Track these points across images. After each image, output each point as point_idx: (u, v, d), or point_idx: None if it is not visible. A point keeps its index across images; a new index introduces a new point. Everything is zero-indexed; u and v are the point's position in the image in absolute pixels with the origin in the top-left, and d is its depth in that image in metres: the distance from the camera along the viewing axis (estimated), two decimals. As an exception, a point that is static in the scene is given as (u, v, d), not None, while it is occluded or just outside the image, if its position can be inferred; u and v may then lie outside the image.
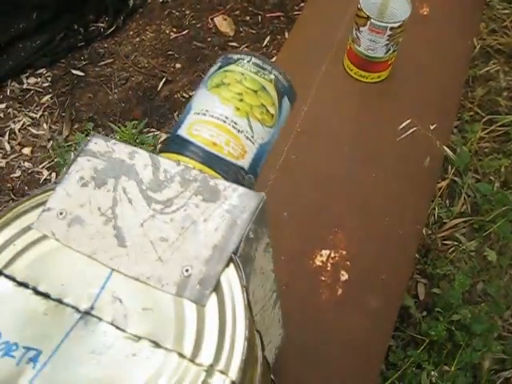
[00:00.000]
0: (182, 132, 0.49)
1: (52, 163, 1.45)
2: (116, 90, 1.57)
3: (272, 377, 0.61)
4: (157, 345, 0.35)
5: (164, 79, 1.59)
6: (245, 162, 0.49)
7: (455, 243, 1.25)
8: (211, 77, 0.53)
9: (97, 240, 0.38)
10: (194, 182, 0.40)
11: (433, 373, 1.06)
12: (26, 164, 1.45)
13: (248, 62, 0.53)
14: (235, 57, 0.53)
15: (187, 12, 1.75)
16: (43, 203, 0.40)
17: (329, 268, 0.83)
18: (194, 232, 0.38)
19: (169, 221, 0.38)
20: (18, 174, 1.44)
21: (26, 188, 1.41)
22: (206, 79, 0.53)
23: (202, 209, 0.39)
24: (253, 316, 0.42)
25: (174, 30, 1.71)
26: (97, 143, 0.42)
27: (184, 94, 1.56)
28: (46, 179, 1.43)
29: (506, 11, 1.62)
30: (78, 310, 0.36)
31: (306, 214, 0.88)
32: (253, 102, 0.51)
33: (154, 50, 1.66)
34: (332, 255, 0.84)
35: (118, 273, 0.37)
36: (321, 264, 0.83)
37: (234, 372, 0.34)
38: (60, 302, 0.36)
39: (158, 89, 1.57)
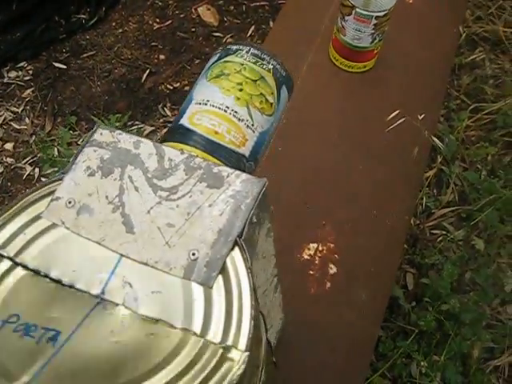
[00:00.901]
0: (184, 121, 0.51)
1: (35, 158, 1.43)
2: (99, 83, 1.55)
3: (274, 359, 0.61)
4: (171, 326, 0.36)
5: (148, 71, 1.57)
6: (246, 150, 0.51)
7: (443, 232, 1.25)
8: (211, 68, 0.54)
9: (105, 227, 0.39)
10: (198, 169, 0.41)
11: (422, 363, 1.06)
12: (9, 160, 1.43)
13: (247, 52, 0.54)
14: (234, 47, 0.55)
15: (170, 2, 1.73)
16: (52, 193, 0.41)
17: (317, 261, 0.82)
18: (199, 217, 0.39)
19: (175, 207, 0.39)
20: (0, 170, 1.41)
21: (9, 184, 1.38)
22: (206, 70, 0.54)
23: (206, 195, 0.40)
24: (257, 298, 0.43)
25: (158, 20, 1.69)
26: (102, 134, 0.43)
27: (168, 86, 1.54)
28: (29, 175, 1.41)
29: (491, -2, 1.62)
30: (90, 295, 0.37)
31: (293, 207, 0.87)
32: (252, 92, 0.52)
33: (138, 42, 1.64)
34: (320, 248, 0.83)
35: (126, 258, 0.38)
36: (309, 257, 0.82)
37: (242, 348, 0.35)
38: (72, 287, 0.37)
39: (142, 81, 1.55)
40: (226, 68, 0.53)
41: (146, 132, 1.44)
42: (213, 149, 0.49)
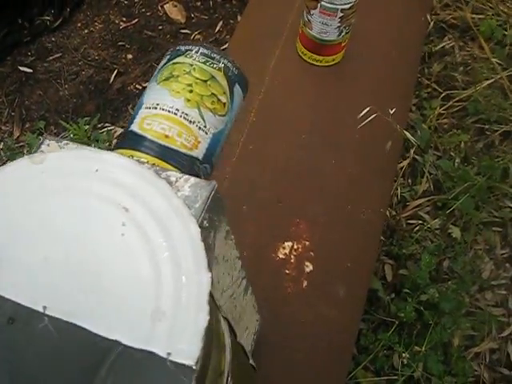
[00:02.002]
0: (135, 127, 0.49)
1: (4, 165, 1.39)
2: (67, 86, 1.52)
3: (252, 362, 0.61)
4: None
5: (116, 71, 1.54)
6: (199, 153, 0.50)
7: (420, 222, 1.25)
8: (161, 70, 0.53)
9: None
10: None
11: (404, 354, 1.06)
12: (-23, 168, 1.39)
13: (196, 52, 0.53)
14: (183, 48, 0.54)
15: (136, 0, 1.70)
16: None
17: (292, 260, 0.81)
18: None
19: None
20: (-32, 179, 1.37)
21: (-22, 193, 1.35)
22: (156, 73, 0.54)
23: None
24: (216, 303, 0.43)
25: (124, 19, 1.66)
26: (49, 145, 0.42)
27: (137, 86, 1.52)
28: (-2, 182, 1.38)
29: (458, -16, 1.62)
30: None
31: (266, 206, 0.86)
32: (203, 92, 0.51)
33: (104, 42, 1.61)
34: (295, 247, 0.82)
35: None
36: (284, 257, 0.81)
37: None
38: None
39: (110, 81, 1.52)
40: (175, 70, 0.52)
41: (116, 133, 1.41)
42: (164, 153, 0.48)
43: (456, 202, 1.23)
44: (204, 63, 0.52)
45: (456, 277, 1.19)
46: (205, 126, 0.50)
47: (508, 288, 1.23)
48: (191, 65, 0.51)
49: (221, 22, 1.64)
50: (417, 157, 1.32)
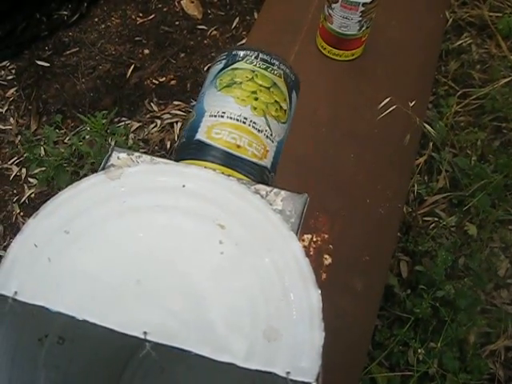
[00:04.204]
0: (201, 136, 0.47)
1: (21, 159, 1.40)
2: (83, 80, 1.53)
3: None
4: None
5: (132, 66, 1.55)
6: (267, 162, 0.49)
7: (435, 219, 1.25)
8: (218, 76, 0.51)
9: None
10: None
11: (419, 350, 1.06)
12: (-5, 161, 1.41)
13: (256, 57, 0.51)
14: (241, 53, 0.52)
15: (153, -4, 1.70)
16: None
17: (312, 253, 0.81)
18: None
19: None
20: (-14, 171, 1.39)
21: (-4, 185, 1.36)
22: (213, 79, 0.51)
23: None
24: None
25: (141, 14, 1.67)
26: (119, 157, 0.40)
27: (154, 81, 1.52)
28: (16, 175, 1.39)
29: (476, -17, 1.61)
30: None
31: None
32: (267, 100, 0.50)
33: (121, 37, 1.61)
34: (314, 239, 0.82)
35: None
36: (303, 249, 0.81)
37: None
38: None
39: (127, 76, 1.53)
40: (236, 76, 0.50)
41: (133, 128, 1.42)
42: (235, 163, 0.46)
43: (472, 199, 1.22)
44: (265, 69, 0.50)
45: (472, 274, 1.18)
46: (271, 135, 0.49)
47: (524, 286, 1.23)
48: (253, 71, 0.50)
49: (237, 19, 1.64)
50: (433, 154, 1.32)
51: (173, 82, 1.52)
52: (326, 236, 0.83)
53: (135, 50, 1.59)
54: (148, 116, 1.45)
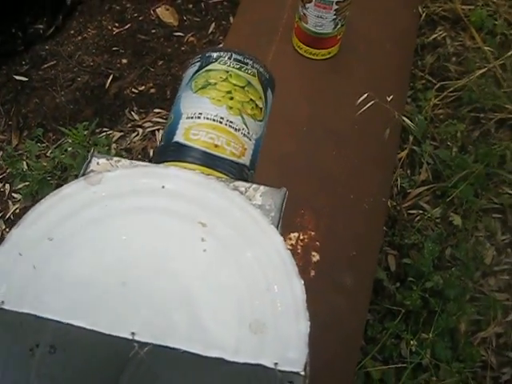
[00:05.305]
0: (179, 138, 0.48)
1: (4, 174, 1.40)
2: (63, 93, 1.52)
3: None
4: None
5: (111, 76, 1.54)
6: (246, 160, 0.50)
7: (420, 212, 1.26)
8: (193, 78, 0.52)
9: None
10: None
11: (412, 342, 1.07)
12: (-23, 178, 1.40)
13: (229, 58, 0.52)
14: (214, 55, 0.53)
15: (128, 5, 1.70)
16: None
17: (299, 250, 0.82)
18: None
19: None
20: (-31, 188, 1.38)
21: (-20, 202, 1.35)
22: (188, 82, 0.52)
23: None
24: None
25: (117, 24, 1.66)
26: (99, 163, 0.41)
27: (133, 90, 1.52)
28: (-1, 191, 1.38)
29: (447, -23, 1.63)
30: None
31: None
32: (243, 99, 0.51)
33: (98, 47, 1.61)
34: (301, 237, 0.83)
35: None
36: (291, 247, 0.82)
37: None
38: None
39: (106, 86, 1.53)
40: (210, 77, 0.51)
41: (115, 138, 1.42)
42: (214, 163, 0.47)
43: (455, 190, 1.24)
44: (239, 69, 0.51)
45: (459, 264, 1.20)
46: (248, 133, 0.50)
47: (510, 273, 1.24)
48: (227, 71, 0.51)
49: (213, 24, 1.65)
50: (414, 147, 1.33)
51: (152, 90, 1.52)
52: (313, 233, 0.83)
53: (113, 60, 1.59)
54: (129, 125, 1.45)
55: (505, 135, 1.37)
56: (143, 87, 1.52)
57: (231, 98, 0.49)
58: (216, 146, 0.47)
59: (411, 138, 1.32)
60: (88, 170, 0.40)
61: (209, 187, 0.39)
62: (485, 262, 1.24)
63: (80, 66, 1.57)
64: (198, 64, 0.52)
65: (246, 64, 0.52)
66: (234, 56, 0.52)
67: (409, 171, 1.32)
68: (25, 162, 1.34)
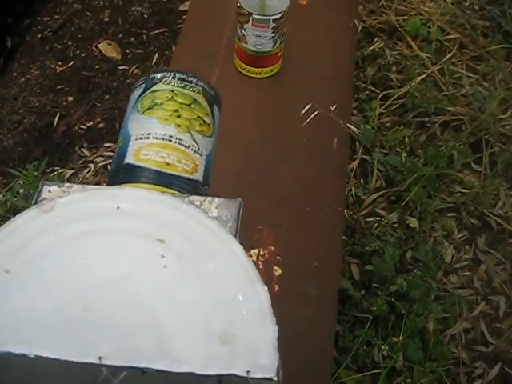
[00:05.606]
0: (130, 160, 0.48)
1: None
2: (10, 135, 1.50)
3: None
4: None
5: (58, 115, 1.53)
6: (199, 175, 0.50)
7: (377, 218, 1.28)
8: (139, 100, 0.52)
9: None
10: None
11: (383, 347, 1.08)
12: None
13: (173, 78, 0.53)
14: (158, 75, 0.54)
15: (69, 43, 1.70)
16: None
17: (261, 266, 0.82)
18: None
19: None
20: None
21: None
22: (134, 104, 0.53)
23: None
24: None
25: (60, 63, 1.66)
26: (51, 191, 0.40)
27: (82, 126, 1.51)
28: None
29: (380, -9, 1.69)
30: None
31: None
32: (190, 116, 0.51)
33: (43, 87, 1.60)
34: (261, 253, 0.83)
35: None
36: (252, 264, 0.82)
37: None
38: None
39: (54, 125, 1.51)
40: (156, 97, 0.52)
41: (67, 175, 1.40)
42: (167, 181, 0.47)
43: (409, 193, 1.27)
44: (184, 87, 0.52)
45: (421, 265, 1.22)
46: (198, 149, 0.50)
47: (471, 269, 1.27)
48: (172, 91, 0.52)
49: (156, 54, 1.66)
50: (365, 157, 1.36)
51: (101, 125, 1.51)
52: (273, 248, 0.84)
53: (59, 99, 1.57)
54: (81, 162, 1.44)
55: (450, 136, 1.41)
56: (91, 123, 1.52)
57: (178, 117, 0.50)
58: (167, 164, 0.47)
59: (361, 147, 1.34)
60: (40, 199, 0.40)
61: (163, 203, 0.39)
62: (445, 260, 1.26)
63: (26, 107, 1.55)
64: (143, 86, 0.53)
65: (191, 82, 0.53)
66: (177, 75, 0.53)
67: (362, 180, 1.34)
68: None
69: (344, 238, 1.22)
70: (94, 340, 0.33)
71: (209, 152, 0.51)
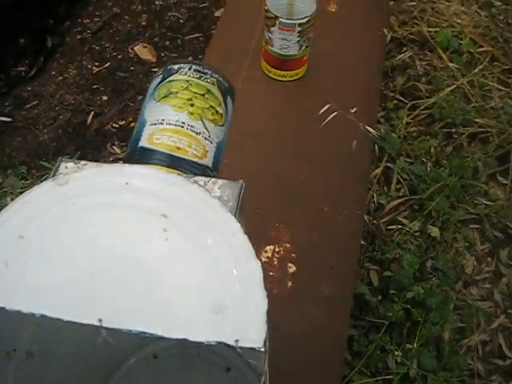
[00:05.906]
0: (144, 143, 0.52)
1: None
2: (45, 131, 1.55)
3: None
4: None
5: (92, 113, 1.58)
6: (208, 161, 0.53)
7: (399, 226, 1.28)
8: (156, 89, 0.56)
9: None
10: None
11: (397, 353, 1.08)
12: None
13: (189, 69, 0.57)
14: (175, 67, 0.57)
15: (107, 45, 1.75)
16: None
17: (275, 262, 0.84)
18: None
19: None
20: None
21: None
22: (152, 92, 0.56)
23: None
24: None
25: (97, 64, 1.71)
26: (67, 167, 0.43)
27: (114, 125, 1.56)
28: (-15, 230, 1.40)
29: (413, 3, 1.70)
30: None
31: (245, 215, 0.89)
32: (203, 105, 0.55)
33: (79, 86, 1.65)
34: (277, 250, 0.85)
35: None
36: (267, 260, 0.84)
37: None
38: None
39: (88, 123, 1.56)
40: (172, 87, 0.55)
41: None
42: (177, 164, 0.50)
43: (431, 202, 1.27)
44: (199, 78, 0.55)
45: (440, 274, 1.22)
46: (209, 136, 0.53)
47: (492, 282, 1.26)
48: (187, 81, 0.55)
49: (190, 58, 1.70)
50: (389, 164, 1.36)
51: (132, 124, 1.55)
52: (288, 245, 0.86)
53: (94, 98, 1.63)
54: (111, 158, 1.48)
55: (477, 148, 1.41)
56: (123, 122, 1.56)
57: (192, 105, 0.53)
58: (178, 148, 0.50)
59: (386, 155, 1.35)
60: (57, 173, 0.43)
61: (169, 181, 0.42)
62: (466, 271, 1.26)
63: (62, 104, 1.61)
64: (161, 76, 0.56)
65: (206, 74, 0.55)
66: (193, 67, 0.56)
67: (385, 188, 1.35)
68: (9, 198, 1.36)
69: (364, 243, 1.23)
70: (95, 303, 0.36)
71: (220, 140, 0.54)
